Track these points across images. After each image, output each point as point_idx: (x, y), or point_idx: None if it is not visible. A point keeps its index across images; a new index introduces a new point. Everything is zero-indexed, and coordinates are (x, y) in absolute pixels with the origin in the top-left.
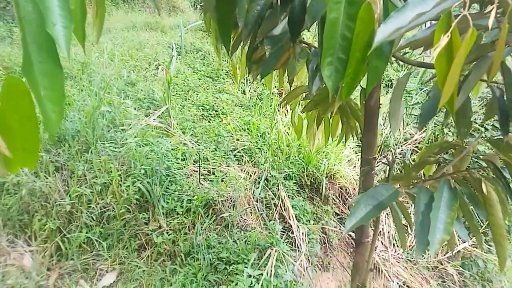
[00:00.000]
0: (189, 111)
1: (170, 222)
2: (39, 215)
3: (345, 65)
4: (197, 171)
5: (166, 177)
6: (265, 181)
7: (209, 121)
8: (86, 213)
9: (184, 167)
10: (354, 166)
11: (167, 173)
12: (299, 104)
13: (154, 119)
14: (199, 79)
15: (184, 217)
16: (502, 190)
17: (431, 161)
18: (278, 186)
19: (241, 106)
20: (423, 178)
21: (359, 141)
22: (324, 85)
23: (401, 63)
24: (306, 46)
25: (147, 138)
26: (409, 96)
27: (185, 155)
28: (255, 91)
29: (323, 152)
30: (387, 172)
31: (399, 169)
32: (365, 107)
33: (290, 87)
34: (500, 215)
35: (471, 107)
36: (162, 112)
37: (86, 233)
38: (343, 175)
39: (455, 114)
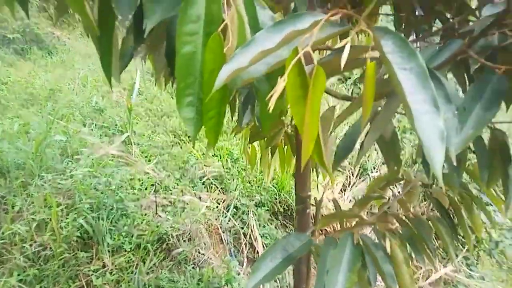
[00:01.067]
0: (159, 137)
1: (116, 260)
2: None
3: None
4: (155, 202)
5: (117, 210)
6: (235, 209)
7: (180, 148)
8: (19, 253)
9: (141, 198)
10: (332, 191)
11: (118, 206)
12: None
13: (113, 148)
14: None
15: (132, 254)
16: (447, 232)
17: (374, 196)
18: (248, 214)
19: None
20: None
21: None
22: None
23: None
24: None
25: (102, 168)
26: None
27: (144, 185)
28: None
29: (293, 176)
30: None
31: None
32: (296, 140)
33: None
34: (407, 278)
35: (399, 143)
36: (124, 140)
37: (18, 275)
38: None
39: (383, 152)
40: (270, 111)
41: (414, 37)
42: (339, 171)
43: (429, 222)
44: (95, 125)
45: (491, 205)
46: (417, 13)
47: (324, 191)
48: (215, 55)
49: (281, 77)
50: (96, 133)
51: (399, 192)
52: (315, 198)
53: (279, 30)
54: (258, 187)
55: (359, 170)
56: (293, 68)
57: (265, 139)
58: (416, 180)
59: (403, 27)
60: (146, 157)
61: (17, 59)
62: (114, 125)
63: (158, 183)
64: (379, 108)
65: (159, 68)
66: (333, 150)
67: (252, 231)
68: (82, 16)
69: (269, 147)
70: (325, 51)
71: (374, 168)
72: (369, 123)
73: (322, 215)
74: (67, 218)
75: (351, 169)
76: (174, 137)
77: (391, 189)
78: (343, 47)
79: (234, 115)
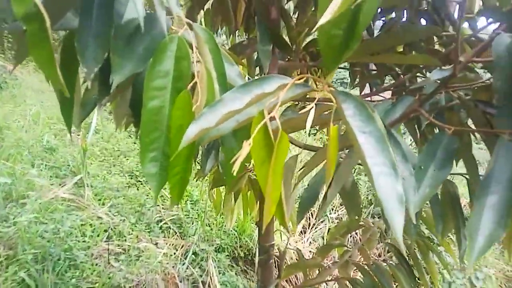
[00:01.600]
0: (114, 178)
1: None
2: None
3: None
4: (107, 249)
5: (64, 261)
6: (193, 255)
7: (137, 189)
8: None
9: (92, 246)
10: (293, 235)
11: (66, 255)
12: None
13: (65, 190)
14: (134, 143)
15: None
16: (405, 279)
17: (336, 244)
18: (207, 260)
19: None
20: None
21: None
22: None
23: None
24: None
25: (50, 213)
26: None
27: (96, 231)
28: None
29: (256, 225)
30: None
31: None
32: (260, 190)
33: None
34: None
35: (358, 193)
36: (76, 182)
37: None
38: (280, 245)
39: (344, 201)
40: (235, 173)
41: (369, 90)
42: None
43: (388, 268)
44: (45, 165)
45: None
46: (370, 67)
47: (287, 241)
48: (184, 112)
49: (246, 141)
50: (46, 174)
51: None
52: (278, 248)
53: (247, 92)
54: (218, 230)
55: (318, 211)
56: (259, 131)
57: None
58: (375, 227)
59: (358, 80)
60: (99, 200)
61: None
62: (67, 165)
63: (111, 229)
64: (340, 159)
65: (120, 114)
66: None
67: (211, 279)
68: (52, 80)
69: (232, 192)
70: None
71: (333, 209)
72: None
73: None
74: (6, 272)
75: (310, 210)
76: (131, 178)
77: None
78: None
79: (197, 160)
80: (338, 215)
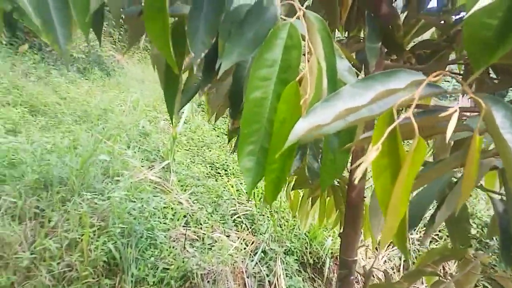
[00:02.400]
0: (197, 167)
1: None
2: None
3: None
4: (184, 234)
5: (146, 239)
6: (262, 253)
7: (216, 180)
8: (46, 271)
9: (171, 228)
10: (367, 248)
11: (148, 234)
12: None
13: (153, 173)
14: (217, 136)
15: None
16: None
17: (427, 272)
18: (276, 261)
19: None
20: None
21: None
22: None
23: None
24: None
25: (138, 193)
26: None
27: (176, 216)
28: None
29: (331, 229)
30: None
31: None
32: (346, 198)
33: None
34: None
35: (468, 219)
36: (163, 167)
37: None
38: (358, 264)
39: (450, 228)
40: (356, 181)
41: None
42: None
43: None
44: (139, 148)
45: None
46: (491, 75)
47: (374, 260)
48: (290, 105)
49: (372, 145)
50: (139, 156)
51: (449, 267)
52: (363, 267)
53: (369, 87)
54: (289, 232)
55: None
56: (381, 133)
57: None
58: (477, 260)
59: (473, 89)
60: (182, 186)
61: (78, 77)
62: (157, 150)
63: (190, 215)
64: (453, 178)
65: (213, 106)
66: None
67: (278, 280)
68: (166, 55)
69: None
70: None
71: (415, 230)
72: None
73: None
74: (97, 241)
75: None
76: (211, 169)
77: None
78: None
79: None
80: (420, 236)
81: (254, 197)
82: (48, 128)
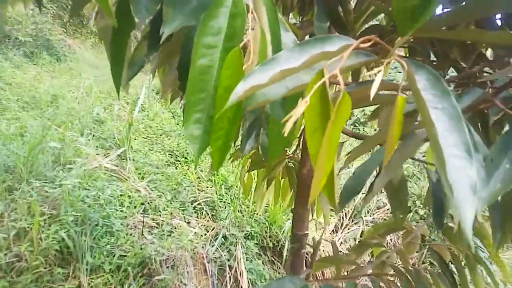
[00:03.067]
0: (155, 155)
1: (93, 281)
2: None
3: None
4: (142, 222)
5: (102, 227)
6: (223, 238)
7: (175, 168)
8: None
9: (128, 216)
10: (322, 229)
11: (104, 222)
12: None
13: (108, 161)
14: (177, 124)
15: (111, 275)
16: None
17: (373, 243)
18: (236, 245)
19: None
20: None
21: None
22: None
23: None
24: None
25: (93, 181)
26: None
27: (133, 203)
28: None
29: (289, 212)
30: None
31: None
32: (297, 175)
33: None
34: None
35: (406, 190)
36: (119, 154)
37: None
38: (309, 239)
39: (390, 198)
40: (285, 134)
41: None
42: (332, 210)
43: (429, 276)
44: (93, 135)
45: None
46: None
47: (323, 232)
48: (233, 71)
49: (301, 99)
50: (93, 144)
51: (395, 241)
52: (313, 239)
53: (304, 51)
54: (250, 217)
55: (352, 212)
56: (315, 92)
57: (263, 169)
58: (418, 231)
59: None
60: (139, 174)
61: (25, 62)
62: (112, 138)
63: (148, 203)
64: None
65: (166, 83)
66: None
67: (238, 264)
68: (102, 4)
69: (267, 178)
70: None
71: (368, 212)
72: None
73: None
74: (48, 229)
75: (344, 210)
76: (171, 157)
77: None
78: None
79: (237, 140)
80: (374, 218)
81: (215, 183)
82: None
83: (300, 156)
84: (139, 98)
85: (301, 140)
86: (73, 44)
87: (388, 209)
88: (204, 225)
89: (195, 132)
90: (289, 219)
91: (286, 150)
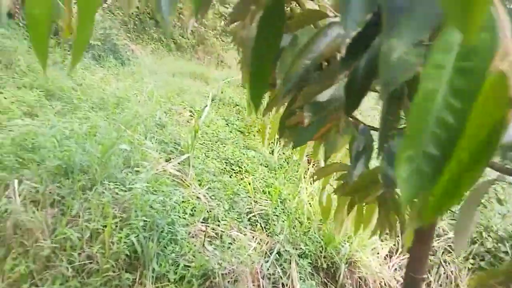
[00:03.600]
0: (212, 163)
1: None
2: (15, 253)
3: (437, 166)
4: (204, 231)
5: (167, 234)
6: (277, 255)
7: (230, 177)
8: (66, 261)
9: (190, 224)
10: (378, 254)
11: (169, 229)
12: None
13: (172, 166)
14: (231, 131)
15: (176, 286)
16: None
17: None
18: (290, 263)
19: (267, 166)
20: None
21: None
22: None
23: None
24: (353, 120)
25: (158, 185)
26: None
27: (194, 211)
28: (284, 152)
29: (345, 234)
30: None
31: None
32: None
33: (325, 162)
34: None
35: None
36: (182, 160)
37: (61, 284)
38: (365, 264)
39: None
40: None
41: None
42: (387, 234)
43: None
44: (156, 139)
45: None
46: None
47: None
48: (491, 102)
49: None
50: (156, 147)
51: None
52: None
53: None
54: (304, 235)
55: None
56: None
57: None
58: None
59: None
60: (199, 180)
61: (93, 64)
62: (173, 142)
63: (208, 211)
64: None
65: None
66: None
67: (292, 283)
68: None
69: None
70: None
71: (437, 236)
72: None
73: None
74: (119, 233)
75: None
76: (226, 165)
77: None
78: None
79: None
80: (439, 243)
81: (270, 195)
82: (64, 113)
83: None
84: (206, 106)
85: None
86: (135, 49)
87: (449, 238)
88: (259, 239)
89: (405, 172)
90: (345, 241)
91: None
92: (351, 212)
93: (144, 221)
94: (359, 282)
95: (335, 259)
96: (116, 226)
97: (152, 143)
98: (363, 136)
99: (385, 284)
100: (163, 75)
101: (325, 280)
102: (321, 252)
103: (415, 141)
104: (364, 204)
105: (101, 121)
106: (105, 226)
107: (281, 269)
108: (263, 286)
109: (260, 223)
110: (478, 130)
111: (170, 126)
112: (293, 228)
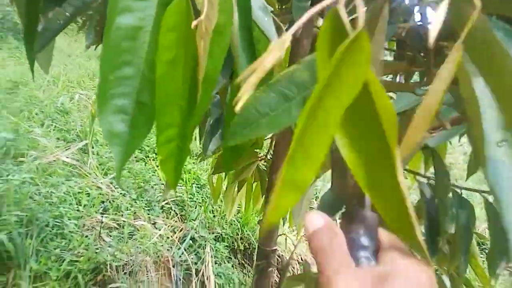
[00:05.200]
0: None
1: None
2: None
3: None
4: (102, 223)
5: (52, 228)
6: (191, 241)
7: (144, 164)
8: None
9: (85, 216)
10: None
11: (55, 222)
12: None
13: (67, 155)
14: None
15: (58, 284)
16: None
17: None
18: (205, 248)
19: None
20: None
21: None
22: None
23: None
24: None
25: (47, 176)
26: None
27: (92, 201)
28: None
29: (257, 224)
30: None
31: None
32: (268, 181)
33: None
34: None
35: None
36: (81, 148)
37: None
38: (283, 242)
39: None
40: (238, 108)
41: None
42: None
43: None
44: (55, 127)
45: None
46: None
47: (294, 249)
48: (179, 33)
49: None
50: (53, 135)
51: None
52: (281, 256)
53: None
54: (221, 219)
55: None
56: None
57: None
58: None
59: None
60: (103, 169)
61: None
62: (76, 130)
63: (110, 201)
64: None
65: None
66: None
67: (206, 268)
68: None
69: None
70: None
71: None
72: None
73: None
74: None
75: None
76: (140, 152)
77: None
78: None
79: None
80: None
81: (186, 182)
82: None
83: (271, 158)
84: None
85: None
86: None
87: None
88: (172, 226)
89: (116, 127)
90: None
91: (258, 151)
92: (242, 189)
93: (19, 216)
94: (278, 260)
95: (251, 239)
96: None
97: (50, 131)
98: (217, 107)
99: (301, 259)
100: (77, 58)
101: (243, 262)
102: (238, 234)
103: (124, 88)
104: (242, 180)
105: None
106: None
107: (195, 254)
108: (174, 274)
109: (174, 210)
110: (170, 65)
111: (76, 112)
112: (211, 213)
